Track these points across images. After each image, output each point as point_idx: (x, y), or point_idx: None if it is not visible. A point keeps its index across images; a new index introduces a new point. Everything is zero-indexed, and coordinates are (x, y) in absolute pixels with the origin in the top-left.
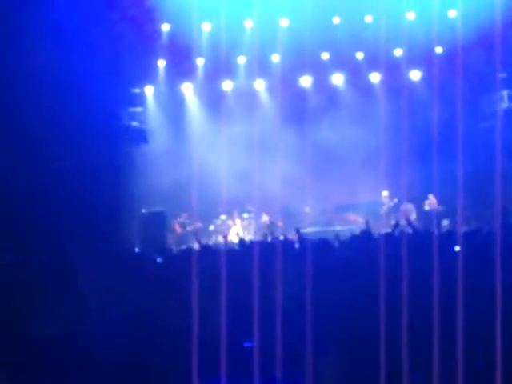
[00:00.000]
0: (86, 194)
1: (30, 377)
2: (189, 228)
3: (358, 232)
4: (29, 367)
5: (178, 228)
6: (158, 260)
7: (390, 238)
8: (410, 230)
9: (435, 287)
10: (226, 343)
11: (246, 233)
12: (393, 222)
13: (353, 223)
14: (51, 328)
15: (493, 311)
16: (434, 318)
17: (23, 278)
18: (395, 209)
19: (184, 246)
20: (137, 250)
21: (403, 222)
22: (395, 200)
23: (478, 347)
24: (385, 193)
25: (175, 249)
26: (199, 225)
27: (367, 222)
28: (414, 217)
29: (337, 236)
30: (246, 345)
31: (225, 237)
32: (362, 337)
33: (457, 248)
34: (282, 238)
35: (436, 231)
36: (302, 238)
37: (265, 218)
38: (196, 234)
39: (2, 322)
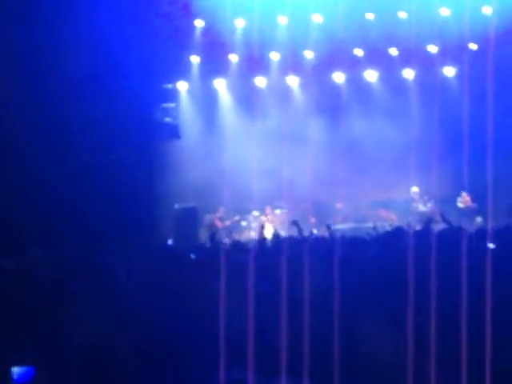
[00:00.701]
0: (120, 189)
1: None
2: (228, 222)
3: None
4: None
5: (218, 223)
6: (192, 256)
7: (423, 235)
8: (444, 226)
9: (467, 285)
10: (255, 340)
11: (278, 229)
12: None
13: (386, 220)
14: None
15: None
16: (463, 316)
17: (58, 272)
18: (427, 205)
19: (227, 239)
20: (170, 242)
21: (437, 219)
22: (425, 197)
23: (508, 347)
24: (414, 189)
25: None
26: (237, 218)
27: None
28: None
29: (369, 233)
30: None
31: (260, 231)
32: (390, 336)
33: (490, 245)
34: (313, 234)
35: (470, 228)
36: (333, 235)
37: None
38: (232, 229)
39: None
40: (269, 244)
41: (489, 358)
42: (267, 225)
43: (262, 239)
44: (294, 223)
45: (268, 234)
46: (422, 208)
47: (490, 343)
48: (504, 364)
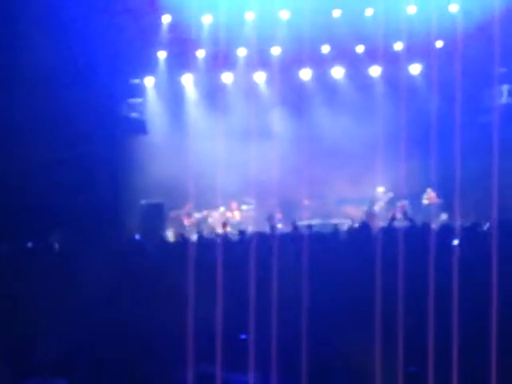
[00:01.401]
0: (85, 184)
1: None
2: (197, 215)
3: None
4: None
5: (185, 219)
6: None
7: (387, 232)
8: (407, 224)
9: (432, 281)
10: (221, 335)
11: (244, 224)
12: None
13: (352, 217)
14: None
15: (489, 306)
16: (429, 311)
17: (22, 266)
18: (391, 203)
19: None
20: (137, 237)
21: (400, 216)
22: (390, 194)
23: (474, 341)
24: (380, 188)
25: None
26: (204, 214)
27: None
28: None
29: (335, 229)
30: (241, 337)
31: (224, 227)
32: (358, 328)
33: (455, 242)
34: (279, 229)
35: (434, 225)
36: (299, 231)
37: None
38: (199, 224)
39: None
40: (233, 240)
41: (456, 350)
42: (233, 220)
43: (225, 235)
44: (269, 219)
45: (233, 229)
46: (385, 206)
47: (456, 336)
48: (471, 359)
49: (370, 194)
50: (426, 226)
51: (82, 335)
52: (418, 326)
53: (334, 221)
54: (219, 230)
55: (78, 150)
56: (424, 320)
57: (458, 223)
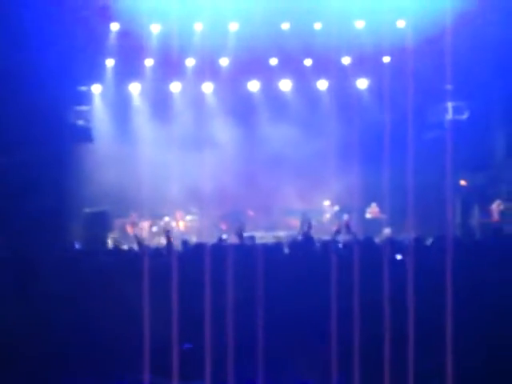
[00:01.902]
0: (29, 191)
1: None
2: (143, 224)
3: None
4: None
5: (129, 228)
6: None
7: (330, 245)
8: (349, 237)
9: (374, 294)
10: (163, 344)
11: (188, 234)
12: (334, 229)
13: (295, 229)
14: None
15: (433, 319)
16: (374, 324)
17: None
18: (336, 216)
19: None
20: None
21: (343, 230)
22: (336, 208)
23: (423, 353)
24: (326, 202)
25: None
26: (148, 223)
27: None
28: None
29: (278, 241)
30: (184, 346)
31: (167, 238)
32: (299, 342)
33: (398, 256)
34: (223, 240)
35: (377, 239)
36: (243, 243)
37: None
38: (138, 235)
39: None
40: (176, 250)
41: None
42: (176, 230)
43: (169, 245)
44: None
45: (177, 239)
46: (329, 219)
47: (393, 351)
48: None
49: (316, 206)
50: (368, 240)
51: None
52: (361, 340)
53: (279, 233)
54: (161, 240)
55: (22, 155)
56: (365, 334)
57: (401, 237)
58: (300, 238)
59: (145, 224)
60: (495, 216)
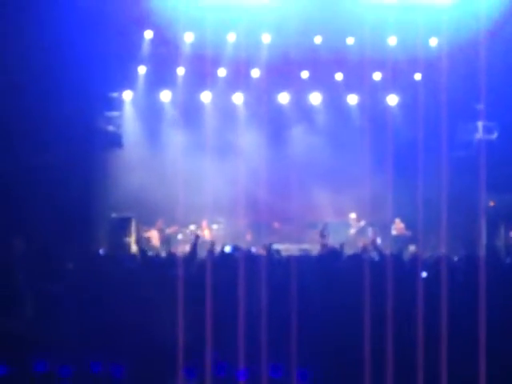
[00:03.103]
0: (57, 193)
1: None
2: (168, 231)
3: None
4: None
5: (155, 235)
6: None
7: (357, 261)
8: (376, 255)
9: (401, 312)
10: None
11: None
12: (360, 245)
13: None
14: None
15: (458, 337)
16: (396, 343)
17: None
18: (362, 231)
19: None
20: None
21: (370, 247)
22: (362, 223)
23: (439, 372)
24: (352, 215)
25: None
26: (174, 230)
27: (342, 245)
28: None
29: (305, 255)
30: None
31: (193, 246)
32: (327, 356)
33: (424, 274)
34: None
35: (403, 256)
36: (271, 254)
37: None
38: (169, 240)
39: None
40: (200, 259)
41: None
42: (202, 238)
43: (194, 253)
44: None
45: (202, 247)
46: (355, 234)
47: (421, 367)
48: None
49: (343, 220)
50: (396, 257)
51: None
52: (386, 356)
53: (304, 245)
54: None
55: (52, 157)
56: (392, 350)
57: (427, 255)
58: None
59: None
60: None
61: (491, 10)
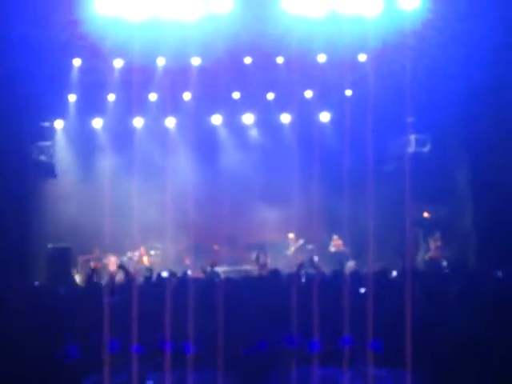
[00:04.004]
0: None
1: None
2: (105, 261)
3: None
4: None
5: (94, 264)
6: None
7: (296, 279)
8: (313, 271)
9: (341, 328)
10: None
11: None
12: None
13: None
14: None
15: (400, 351)
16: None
17: None
18: (301, 250)
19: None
20: (37, 283)
21: (307, 264)
22: (301, 241)
23: None
24: (291, 235)
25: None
26: (112, 258)
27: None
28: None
29: (245, 276)
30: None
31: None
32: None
33: (362, 290)
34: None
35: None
36: (210, 277)
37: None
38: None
39: None
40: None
41: None
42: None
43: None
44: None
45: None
46: (294, 253)
47: None
48: None
49: (281, 240)
50: (337, 274)
51: None
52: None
53: (243, 267)
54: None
55: None
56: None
57: (366, 270)
58: (256, 271)
59: (112, 258)
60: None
61: (414, 21)
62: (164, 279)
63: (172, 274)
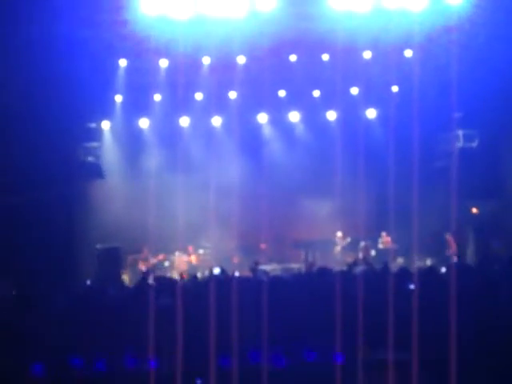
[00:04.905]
0: (40, 229)
1: None
2: (151, 262)
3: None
4: None
5: (142, 264)
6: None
7: (346, 276)
8: (365, 267)
9: (390, 324)
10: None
11: (201, 268)
12: (349, 260)
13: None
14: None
15: (446, 349)
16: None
17: None
18: (349, 247)
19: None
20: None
21: (360, 260)
22: (348, 239)
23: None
24: (339, 233)
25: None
26: (161, 257)
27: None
28: (372, 254)
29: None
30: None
31: (180, 273)
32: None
33: (411, 286)
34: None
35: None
36: (258, 276)
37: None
38: (154, 269)
39: None
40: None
41: None
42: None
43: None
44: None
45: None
46: (341, 251)
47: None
48: None
49: (328, 237)
50: (385, 270)
51: None
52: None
53: (291, 265)
54: (175, 275)
55: (33, 193)
56: (383, 364)
57: (415, 267)
58: (304, 269)
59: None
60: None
61: (460, 16)
62: (219, 280)
63: (223, 271)
